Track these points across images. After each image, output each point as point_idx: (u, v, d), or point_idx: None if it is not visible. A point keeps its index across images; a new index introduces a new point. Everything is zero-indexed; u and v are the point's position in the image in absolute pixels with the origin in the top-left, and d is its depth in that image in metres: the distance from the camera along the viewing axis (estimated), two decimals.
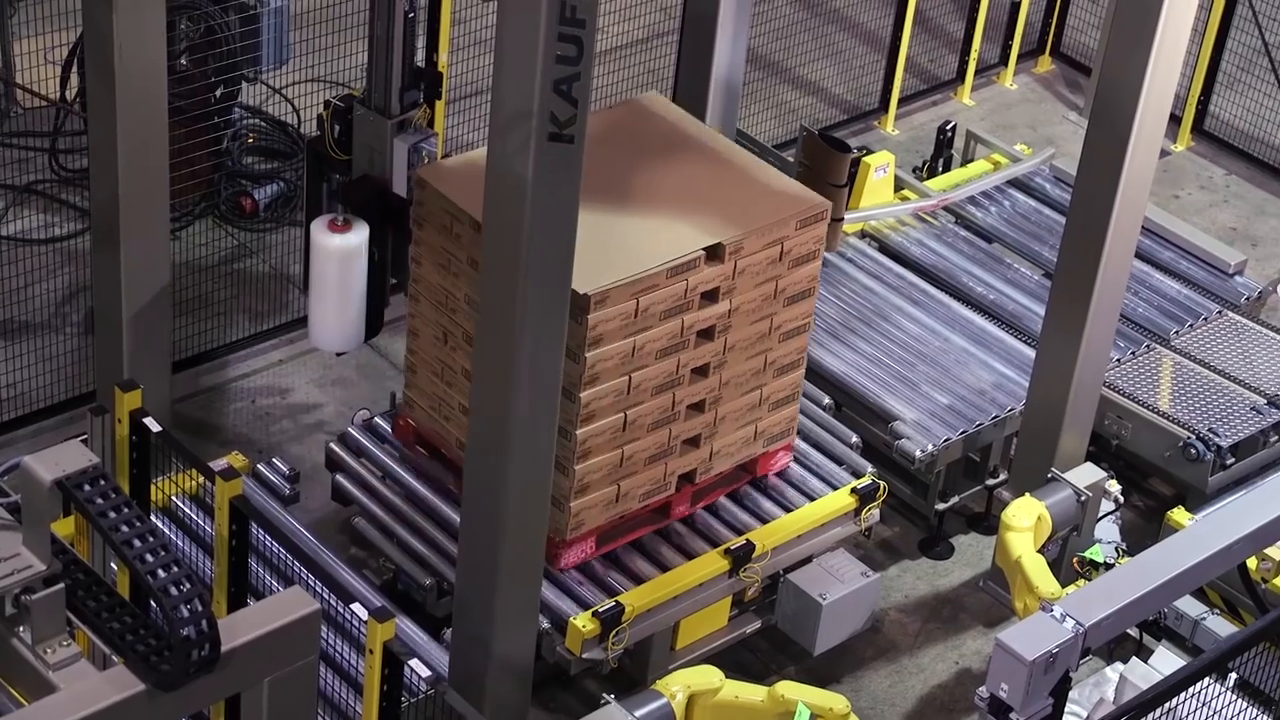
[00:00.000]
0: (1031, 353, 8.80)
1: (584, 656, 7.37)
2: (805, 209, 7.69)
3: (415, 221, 7.62)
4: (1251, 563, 7.81)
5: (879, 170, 10.05)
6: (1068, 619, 5.26)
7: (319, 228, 7.80)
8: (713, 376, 7.65)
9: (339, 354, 8.56)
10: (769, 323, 7.74)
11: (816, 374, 8.67)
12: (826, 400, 8.69)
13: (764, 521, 7.96)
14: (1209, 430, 8.73)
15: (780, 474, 8.19)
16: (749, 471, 8.08)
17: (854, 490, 8.10)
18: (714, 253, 7.43)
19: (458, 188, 7.30)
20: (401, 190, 7.83)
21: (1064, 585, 7.82)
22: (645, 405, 7.46)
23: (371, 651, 6.41)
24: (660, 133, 8.01)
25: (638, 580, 7.63)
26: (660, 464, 7.65)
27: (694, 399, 7.64)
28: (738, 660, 8.00)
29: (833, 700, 7.30)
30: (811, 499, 8.08)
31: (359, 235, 7.79)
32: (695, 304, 7.44)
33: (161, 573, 4.39)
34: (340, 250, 7.78)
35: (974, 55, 11.79)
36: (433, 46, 9.31)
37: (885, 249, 9.91)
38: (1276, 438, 8.92)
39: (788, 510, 8.02)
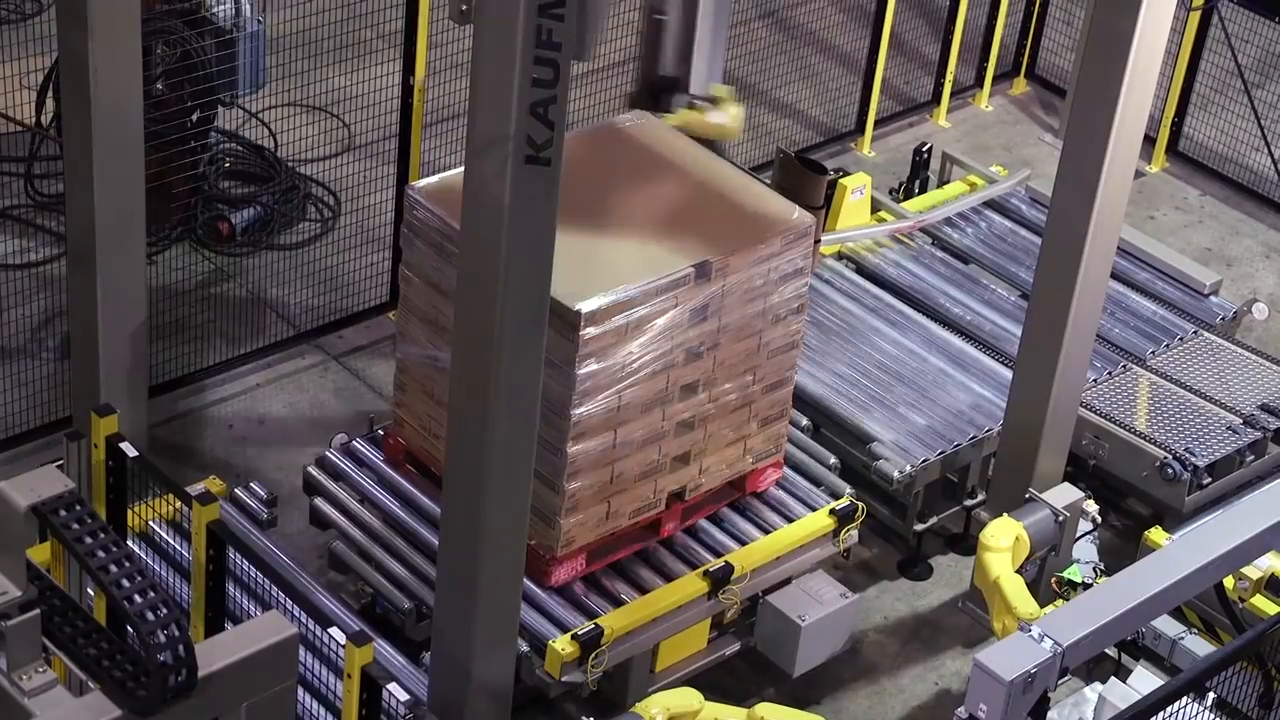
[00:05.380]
0: (1009, 373, 8.82)
1: (563, 679, 7.36)
2: (792, 226, 7.70)
3: (405, 240, 7.62)
4: (1228, 582, 7.82)
5: (855, 192, 10.08)
6: (1046, 639, 5.26)
7: None
8: (702, 393, 7.66)
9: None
10: (757, 339, 7.75)
11: (794, 395, 8.67)
12: (804, 421, 8.70)
13: (743, 543, 7.96)
14: (1186, 450, 8.75)
15: (759, 495, 8.19)
16: (739, 489, 8.09)
17: (832, 511, 8.10)
18: (702, 270, 7.44)
19: (448, 205, 7.29)
20: None
21: (1042, 605, 7.83)
22: (635, 422, 7.46)
23: (350, 675, 6.40)
24: (649, 150, 8.03)
25: (617, 603, 7.62)
26: (650, 481, 7.65)
27: (683, 416, 7.64)
28: (717, 682, 7.99)
29: None
30: (790, 520, 8.08)
31: None
32: (685, 321, 7.45)
33: (138, 598, 4.38)
34: None
35: (949, 77, 11.83)
36: (409, 69, 9.32)
37: (862, 270, 9.93)
38: (1253, 457, 8.95)
39: (766, 532, 8.02)
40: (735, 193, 7.87)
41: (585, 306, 7.13)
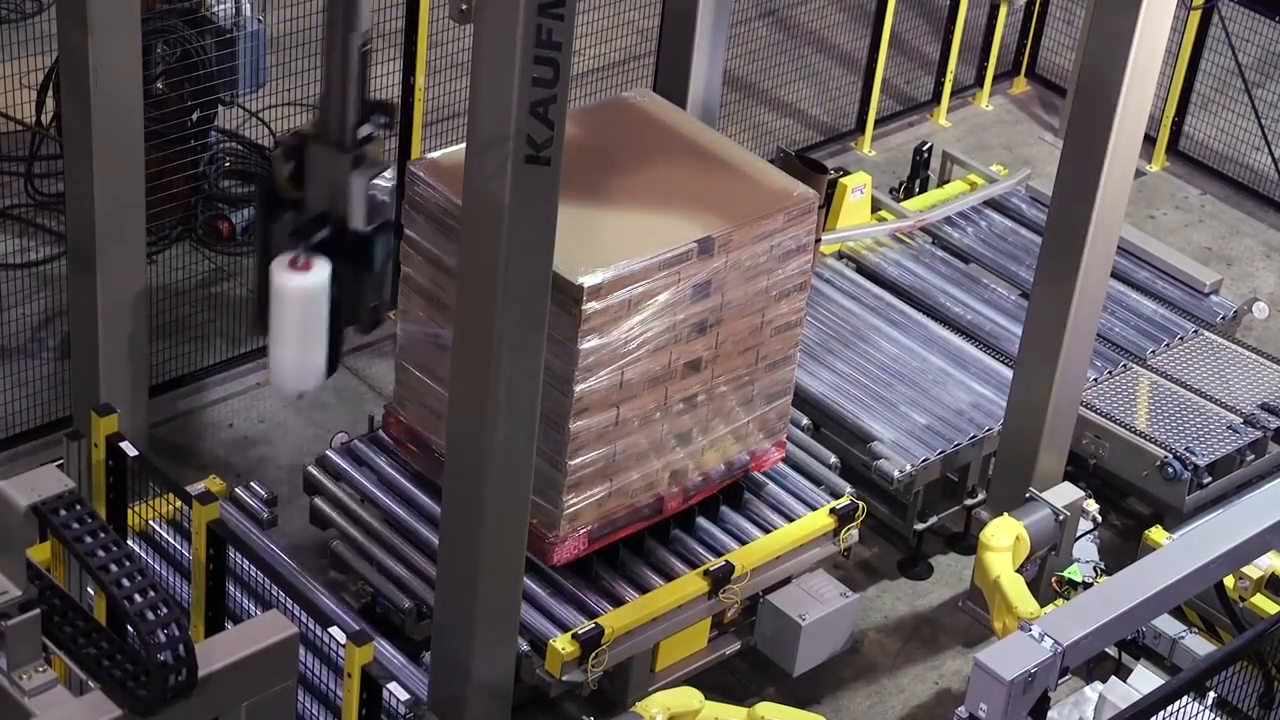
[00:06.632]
0: (1009, 373, 8.82)
1: (563, 679, 7.36)
2: (794, 202, 7.69)
3: (406, 217, 7.61)
4: (1229, 581, 7.82)
5: (856, 191, 10.08)
6: (1046, 638, 5.26)
7: (279, 268, 7.29)
8: (705, 371, 7.64)
9: (299, 395, 8.29)
10: (760, 317, 7.74)
11: (795, 395, 8.67)
12: (805, 421, 8.70)
13: (743, 542, 7.95)
14: (1186, 449, 8.75)
15: (759, 494, 8.19)
16: (741, 468, 8.07)
17: (833, 511, 8.10)
18: (705, 246, 7.44)
19: (449, 180, 7.28)
20: (359, 225, 7.43)
21: (1042, 605, 7.83)
22: (638, 400, 7.45)
23: (350, 675, 6.40)
24: (652, 126, 8.03)
25: (617, 602, 7.62)
26: (652, 459, 7.64)
27: (686, 393, 7.64)
28: (717, 682, 7.99)
29: None
30: (790, 520, 8.08)
31: (321, 274, 7.32)
32: (687, 297, 7.44)
33: (138, 597, 4.38)
34: (304, 291, 7.28)
35: (950, 77, 11.83)
36: (410, 69, 9.32)
37: (863, 270, 9.93)
38: (1253, 456, 8.95)
39: (766, 531, 8.02)
40: (738, 169, 7.86)
41: (588, 281, 7.11)
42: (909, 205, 10.42)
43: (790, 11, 12.16)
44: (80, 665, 4.54)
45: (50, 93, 9.50)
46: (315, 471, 8.13)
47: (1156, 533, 8.42)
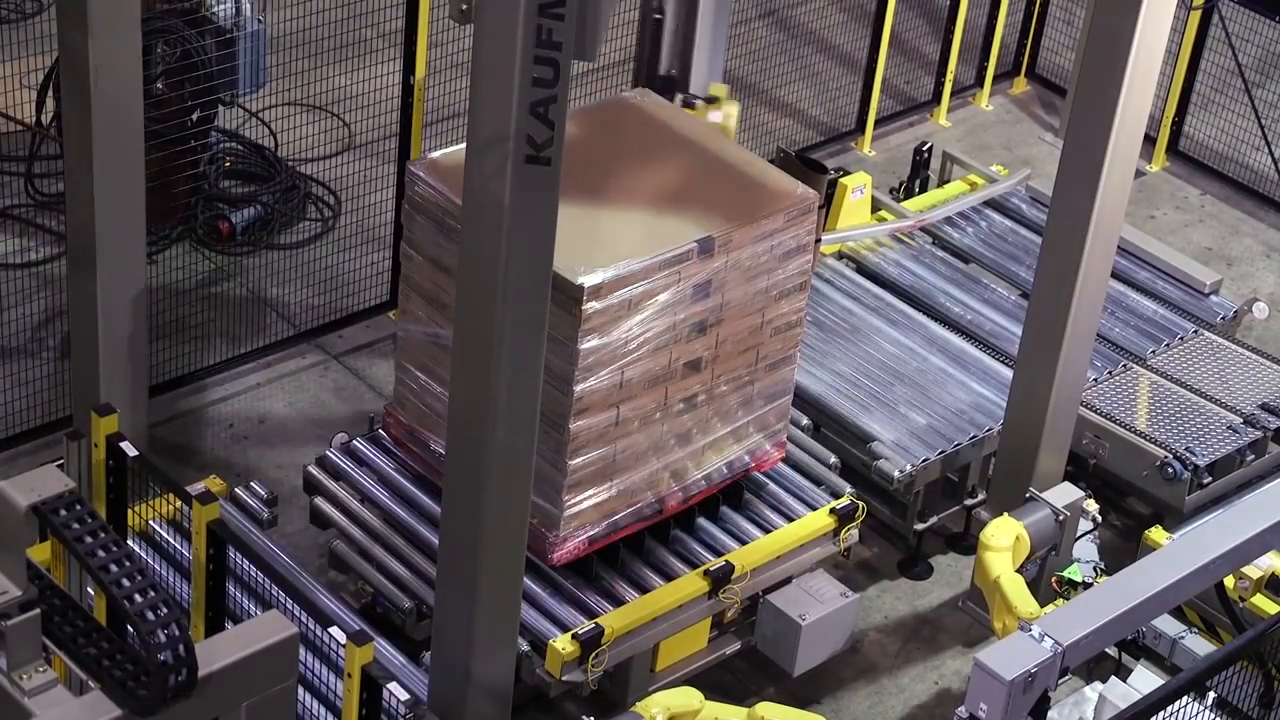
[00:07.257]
0: (1009, 373, 8.82)
1: (563, 679, 7.36)
2: (794, 202, 7.69)
3: (406, 216, 7.62)
4: (1229, 581, 7.82)
5: (856, 191, 10.08)
6: (1046, 638, 5.27)
7: None
8: (705, 371, 7.65)
9: None
10: (760, 317, 7.74)
11: (795, 395, 8.68)
12: (805, 421, 8.70)
13: (743, 542, 7.96)
14: (1186, 449, 8.75)
15: (759, 494, 8.19)
16: (742, 468, 8.07)
17: (833, 511, 8.11)
18: (705, 246, 7.44)
19: (449, 181, 7.29)
20: None
21: (1042, 605, 7.83)
22: (638, 400, 7.45)
23: (350, 675, 6.40)
24: (652, 127, 8.04)
25: (617, 602, 7.62)
26: (652, 459, 7.64)
27: (686, 394, 7.63)
28: (717, 682, 7.99)
29: None
30: (790, 520, 8.08)
31: None
32: (687, 297, 7.44)
33: (138, 597, 4.38)
34: None
35: (950, 77, 11.83)
36: (409, 69, 9.32)
37: (863, 270, 9.93)
38: (1253, 456, 8.95)
39: (767, 531, 8.02)
40: (739, 169, 7.86)
41: (588, 280, 7.12)
42: (909, 205, 10.42)
43: (790, 11, 12.16)
44: (80, 665, 4.54)
45: (50, 93, 9.50)
46: (315, 471, 8.13)
47: (1156, 533, 8.42)
